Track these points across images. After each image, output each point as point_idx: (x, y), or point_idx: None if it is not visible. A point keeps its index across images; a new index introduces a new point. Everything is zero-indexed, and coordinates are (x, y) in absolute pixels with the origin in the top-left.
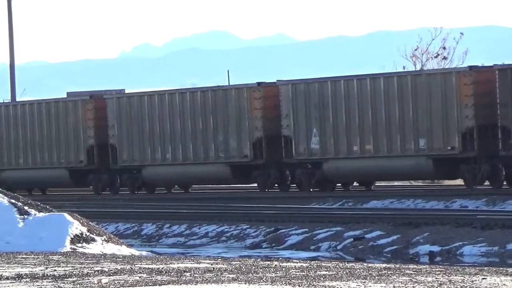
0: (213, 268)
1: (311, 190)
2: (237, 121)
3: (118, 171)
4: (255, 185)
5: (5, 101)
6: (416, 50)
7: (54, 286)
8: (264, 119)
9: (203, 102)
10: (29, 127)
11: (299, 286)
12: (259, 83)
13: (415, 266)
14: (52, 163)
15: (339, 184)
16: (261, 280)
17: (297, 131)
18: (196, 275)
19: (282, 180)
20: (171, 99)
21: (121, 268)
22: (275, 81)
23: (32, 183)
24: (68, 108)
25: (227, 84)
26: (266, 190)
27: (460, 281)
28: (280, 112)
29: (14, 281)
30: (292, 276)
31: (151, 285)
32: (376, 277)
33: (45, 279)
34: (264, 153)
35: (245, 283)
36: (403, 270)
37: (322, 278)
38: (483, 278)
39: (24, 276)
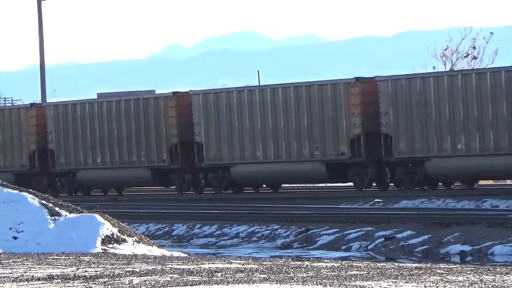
0: (244, 268)
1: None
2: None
3: (203, 169)
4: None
5: (35, 101)
6: (446, 50)
7: (85, 287)
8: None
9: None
10: (110, 125)
11: (330, 286)
12: (356, 78)
13: (446, 266)
14: (132, 162)
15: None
16: (292, 280)
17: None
18: (227, 275)
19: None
20: (261, 94)
21: (152, 268)
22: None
23: (111, 183)
24: (150, 105)
25: (258, 84)
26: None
27: (491, 280)
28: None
29: (45, 282)
30: (323, 276)
31: (182, 286)
32: (407, 277)
33: (76, 280)
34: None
35: (276, 283)
36: (434, 269)
37: (353, 278)
38: None
39: (55, 277)
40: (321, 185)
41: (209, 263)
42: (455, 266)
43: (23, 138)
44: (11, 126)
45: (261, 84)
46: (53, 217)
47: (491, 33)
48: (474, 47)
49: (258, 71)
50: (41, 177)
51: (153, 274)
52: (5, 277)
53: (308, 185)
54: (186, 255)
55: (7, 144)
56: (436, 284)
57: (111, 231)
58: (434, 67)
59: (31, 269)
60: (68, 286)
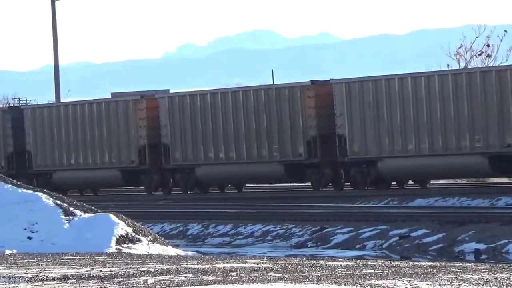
0: (259, 267)
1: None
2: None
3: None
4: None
5: (49, 101)
6: (460, 48)
7: (100, 287)
8: None
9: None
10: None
11: (345, 285)
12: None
13: (461, 264)
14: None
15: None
16: (307, 279)
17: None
18: (242, 274)
19: None
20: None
21: (167, 268)
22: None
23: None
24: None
25: (272, 83)
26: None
27: (506, 278)
28: None
29: (60, 282)
30: (338, 275)
31: (197, 285)
32: (422, 275)
33: (91, 279)
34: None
35: (291, 282)
36: (448, 268)
37: (368, 277)
38: None
39: (70, 277)
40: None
41: (223, 263)
42: (470, 264)
43: (131, 132)
44: (117, 119)
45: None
46: (67, 217)
47: (505, 31)
48: (488, 45)
49: (272, 70)
50: (152, 174)
51: (167, 274)
52: (20, 277)
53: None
54: (201, 254)
55: (113, 139)
56: (450, 283)
57: (125, 230)
58: (448, 65)
59: (46, 269)
60: (83, 286)
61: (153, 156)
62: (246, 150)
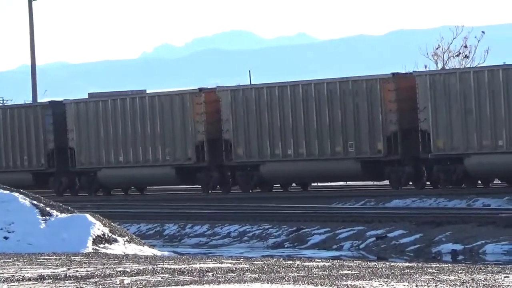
0: (236, 268)
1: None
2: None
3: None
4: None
5: (26, 101)
6: (437, 49)
7: (76, 287)
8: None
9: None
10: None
11: (321, 285)
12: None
13: (438, 265)
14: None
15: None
16: (284, 280)
17: None
18: (218, 275)
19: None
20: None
21: (143, 268)
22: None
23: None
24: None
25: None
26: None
27: (483, 279)
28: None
29: (36, 282)
30: (315, 275)
31: (173, 285)
32: (399, 276)
33: (67, 280)
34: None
35: (268, 283)
36: (425, 269)
37: (344, 278)
38: (505, 277)
39: (46, 277)
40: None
41: (200, 263)
42: (447, 265)
43: (188, 127)
44: (172, 114)
45: (252, 83)
46: (44, 217)
47: (483, 32)
48: (465, 46)
49: (250, 71)
50: (211, 172)
51: (144, 274)
52: None
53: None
54: (177, 255)
55: (167, 135)
56: (427, 283)
57: (102, 231)
58: (426, 66)
59: (22, 269)
60: (59, 286)
61: (212, 152)
62: (318, 146)
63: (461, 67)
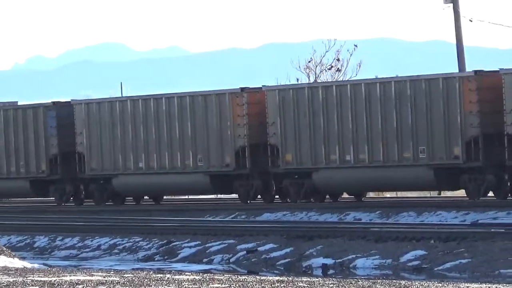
0: (106, 280)
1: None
2: None
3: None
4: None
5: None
6: (309, 62)
7: None
8: None
9: None
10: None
11: None
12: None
13: (308, 279)
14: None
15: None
16: None
17: None
18: (88, 287)
19: None
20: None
21: (13, 280)
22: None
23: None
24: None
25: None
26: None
27: None
28: None
29: None
30: None
31: None
32: None
33: None
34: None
35: None
36: (296, 282)
37: None
38: None
39: None
40: (183, 197)
41: (70, 275)
42: (318, 279)
43: (228, 131)
44: (206, 116)
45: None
46: None
47: (355, 46)
48: (338, 59)
49: (121, 83)
50: (252, 180)
51: (14, 286)
52: None
53: (171, 197)
54: (47, 267)
55: (199, 139)
56: None
57: None
58: (298, 79)
59: None
60: None
61: (254, 159)
62: (382, 152)
63: (325, 81)
